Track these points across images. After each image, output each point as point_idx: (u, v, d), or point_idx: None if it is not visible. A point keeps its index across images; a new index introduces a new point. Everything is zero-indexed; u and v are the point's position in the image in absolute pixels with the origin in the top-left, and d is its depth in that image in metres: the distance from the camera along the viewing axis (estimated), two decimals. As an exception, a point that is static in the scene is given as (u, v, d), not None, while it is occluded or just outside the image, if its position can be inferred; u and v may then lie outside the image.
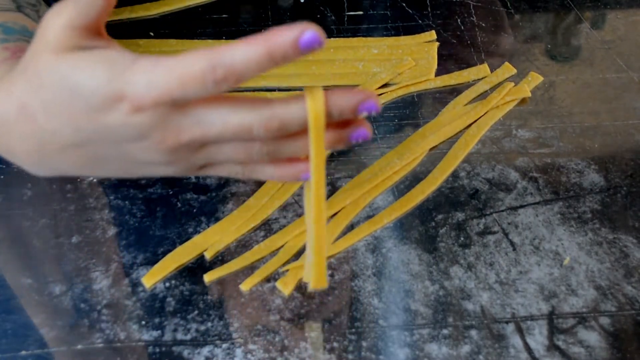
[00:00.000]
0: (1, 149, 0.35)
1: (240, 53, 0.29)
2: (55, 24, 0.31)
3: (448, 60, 0.61)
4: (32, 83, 0.32)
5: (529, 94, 0.56)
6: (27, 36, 0.40)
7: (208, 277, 0.43)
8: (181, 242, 0.45)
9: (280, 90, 0.58)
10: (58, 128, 0.32)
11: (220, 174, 0.35)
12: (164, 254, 0.44)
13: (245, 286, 0.43)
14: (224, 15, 0.67)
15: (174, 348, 0.39)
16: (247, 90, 0.57)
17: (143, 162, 0.33)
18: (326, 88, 0.32)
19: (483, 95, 0.58)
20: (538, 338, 0.40)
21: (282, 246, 0.45)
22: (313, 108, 0.31)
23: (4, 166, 0.50)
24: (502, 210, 0.48)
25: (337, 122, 0.33)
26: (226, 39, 0.63)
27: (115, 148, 0.33)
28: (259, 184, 0.49)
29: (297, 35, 0.28)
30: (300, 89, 0.58)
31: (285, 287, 0.42)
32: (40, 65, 0.31)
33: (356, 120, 0.33)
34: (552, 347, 0.40)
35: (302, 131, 0.32)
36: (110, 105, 0.30)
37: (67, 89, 0.31)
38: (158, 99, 0.30)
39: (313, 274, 0.36)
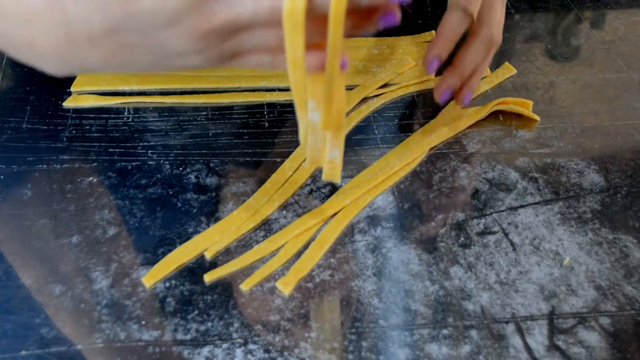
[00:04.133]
0: (22, 47, 0.35)
1: None
2: None
3: (448, 61, 0.61)
4: None
5: (538, 118, 0.56)
6: None
7: (208, 277, 0.43)
8: (181, 242, 0.45)
9: (280, 90, 0.58)
10: (89, 16, 0.32)
11: (249, 63, 0.35)
12: (164, 254, 0.44)
13: (245, 286, 0.43)
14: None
15: (174, 348, 0.39)
16: (246, 90, 0.57)
17: (173, 51, 0.33)
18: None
19: (483, 95, 0.58)
20: (538, 338, 0.40)
21: (282, 246, 0.45)
22: None
23: (4, 166, 0.50)
24: (502, 210, 0.48)
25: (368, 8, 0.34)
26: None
27: (146, 36, 0.33)
28: (259, 184, 0.49)
29: None
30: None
31: (286, 287, 0.42)
32: None
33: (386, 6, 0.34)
34: (552, 347, 0.40)
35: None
36: None
37: None
38: None
39: (328, 169, 0.42)
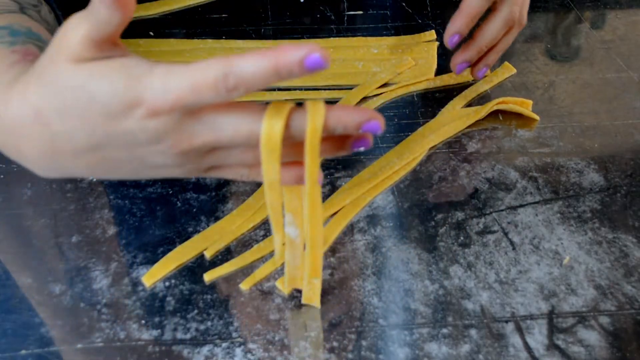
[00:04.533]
0: (10, 150, 0.36)
1: (251, 65, 0.30)
2: (74, 35, 0.31)
3: (448, 60, 0.61)
4: (48, 89, 0.32)
5: (537, 118, 0.56)
6: (33, 38, 0.40)
7: (208, 277, 0.43)
8: (181, 242, 0.45)
9: (279, 90, 0.58)
10: (73, 133, 0.33)
11: (227, 176, 0.37)
12: (164, 253, 0.44)
13: (245, 285, 0.43)
14: (223, 15, 0.67)
15: (173, 347, 0.39)
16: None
17: (153, 165, 0.35)
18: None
19: (483, 95, 0.58)
20: (538, 337, 0.40)
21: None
22: (312, 122, 0.32)
23: (4, 166, 0.50)
24: (502, 210, 0.48)
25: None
26: (226, 38, 0.63)
27: (128, 152, 0.34)
28: (259, 183, 0.49)
29: (304, 56, 0.30)
30: (299, 88, 0.58)
31: (285, 286, 0.42)
32: (59, 73, 0.32)
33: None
34: (552, 346, 0.40)
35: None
36: (127, 111, 0.32)
37: (85, 96, 0.32)
38: (174, 104, 0.31)
39: (307, 290, 0.41)
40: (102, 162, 0.34)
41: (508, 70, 0.60)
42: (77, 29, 0.31)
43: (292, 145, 0.34)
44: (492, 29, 0.54)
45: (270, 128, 0.32)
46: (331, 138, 0.35)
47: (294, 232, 0.38)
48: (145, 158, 0.34)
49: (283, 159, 0.33)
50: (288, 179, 0.35)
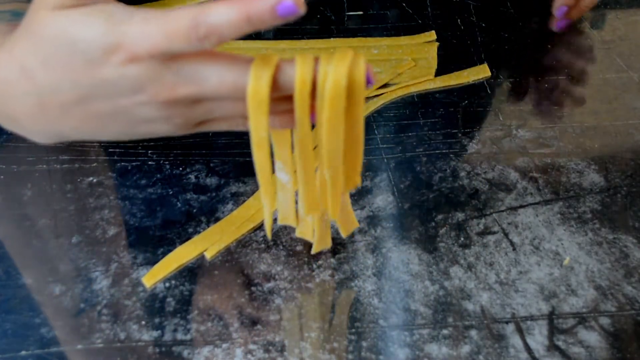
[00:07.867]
0: (3, 117, 0.36)
1: (221, 14, 0.30)
2: None
3: (448, 60, 0.61)
4: (31, 40, 0.33)
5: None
6: None
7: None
8: (181, 242, 0.45)
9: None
10: (58, 84, 0.33)
11: (220, 129, 0.36)
12: (164, 254, 0.44)
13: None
14: (224, 15, 0.67)
15: (174, 348, 0.39)
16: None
17: (141, 119, 0.34)
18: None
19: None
20: (538, 338, 0.40)
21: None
22: (300, 75, 0.32)
23: (4, 166, 0.50)
24: (502, 210, 0.48)
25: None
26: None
27: (114, 104, 0.33)
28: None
29: (275, 3, 0.29)
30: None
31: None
32: (40, 22, 0.32)
33: None
34: (552, 347, 0.40)
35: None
36: (107, 57, 0.31)
37: (65, 42, 0.32)
38: (150, 50, 0.31)
39: (301, 225, 0.42)
40: (90, 118, 0.34)
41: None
42: None
43: (282, 98, 0.33)
44: None
45: (257, 81, 0.31)
46: None
47: (285, 177, 0.38)
48: (130, 111, 0.34)
49: (277, 109, 0.33)
50: (278, 125, 0.35)
